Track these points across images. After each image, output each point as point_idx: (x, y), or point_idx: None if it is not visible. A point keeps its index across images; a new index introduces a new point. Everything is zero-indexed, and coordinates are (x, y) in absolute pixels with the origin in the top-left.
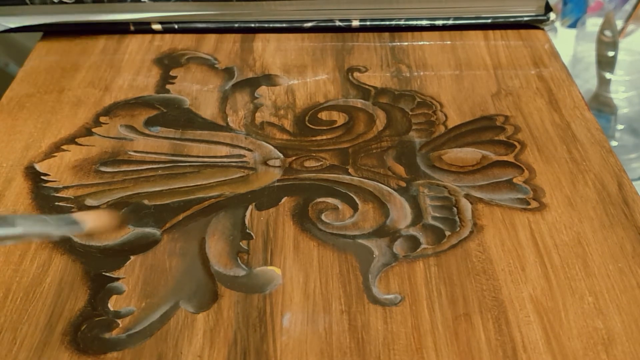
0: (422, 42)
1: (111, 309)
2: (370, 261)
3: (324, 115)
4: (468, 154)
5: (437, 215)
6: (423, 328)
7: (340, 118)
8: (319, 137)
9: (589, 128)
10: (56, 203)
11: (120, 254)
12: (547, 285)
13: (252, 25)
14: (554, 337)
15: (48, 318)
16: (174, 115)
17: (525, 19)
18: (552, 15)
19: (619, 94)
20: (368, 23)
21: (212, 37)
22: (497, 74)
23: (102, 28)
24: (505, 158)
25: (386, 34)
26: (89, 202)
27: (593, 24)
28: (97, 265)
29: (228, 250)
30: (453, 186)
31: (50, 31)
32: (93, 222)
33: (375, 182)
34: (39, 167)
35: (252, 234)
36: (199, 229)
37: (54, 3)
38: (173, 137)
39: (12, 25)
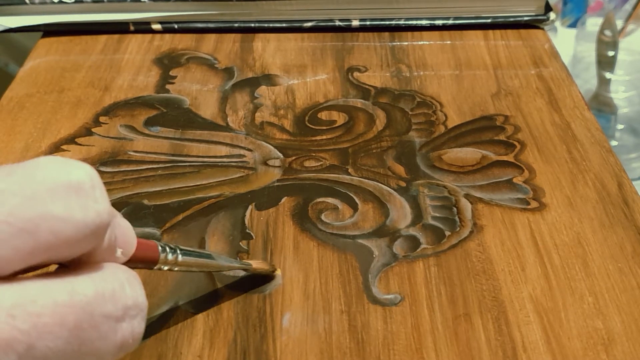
0: (422, 42)
1: None
2: (370, 261)
3: (323, 115)
4: (468, 154)
5: (437, 215)
6: (423, 328)
7: (340, 118)
8: (318, 137)
9: (589, 128)
10: None
11: None
12: (547, 285)
13: (252, 25)
14: (553, 337)
15: None
16: (173, 115)
17: (525, 18)
18: (552, 15)
19: (619, 94)
20: (368, 23)
21: (212, 37)
22: (497, 73)
23: (102, 28)
24: (505, 158)
25: (386, 34)
26: None
27: (593, 24)
28: None
29: (228, 250)
30: (453, 186)
31: (50, 31)
32: (256, 264)
33: (375, 182)
34: None
35: (252, 234)
36: (199, 229)
37: (54, 3)
38: (173, 137)
39: (12, 25)
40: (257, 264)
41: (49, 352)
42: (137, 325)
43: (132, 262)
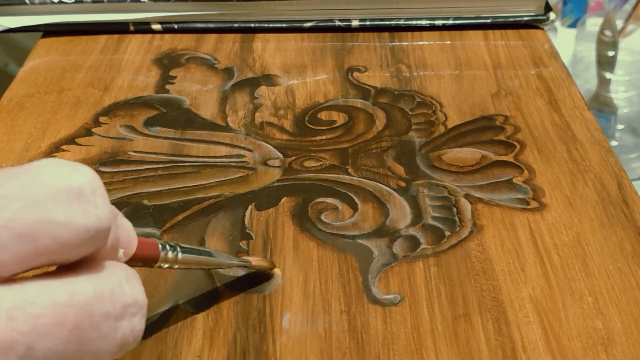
0: (422, 42)
1: None
2: (370, 261)
3: (323, 115)
4: (468, 154)
5: (437, 215)
6: (423, 328)
7: (340, 118)
8: (318, 137)
9: (588, 128)
10: None
11: None
12: (547, 285)
13: (252, 25)
14: (553, 337)
15: None
16: (173, 116)
17: (525, 19)
18: (552, 15)
19: (619, 94)
20: (368, 23)
21: (211, 37)
22: (497, 74)
23: (102, 28)
24: (505, 158)
25: (386, 34)
26: None
27: (593, 24)
28: None
29: (228, 251)
30: (453, 186)
31: (50, 31)
32: (256, 262)
33: (375, 182)
34: None
35: (251, 234)
36: (199, 229)
37: (54, 3)
38: (173, 137)
39: (12, 25)
40: (256, 261)
41: (49, 353)
42: (137, 323)
43: (133, 261)
